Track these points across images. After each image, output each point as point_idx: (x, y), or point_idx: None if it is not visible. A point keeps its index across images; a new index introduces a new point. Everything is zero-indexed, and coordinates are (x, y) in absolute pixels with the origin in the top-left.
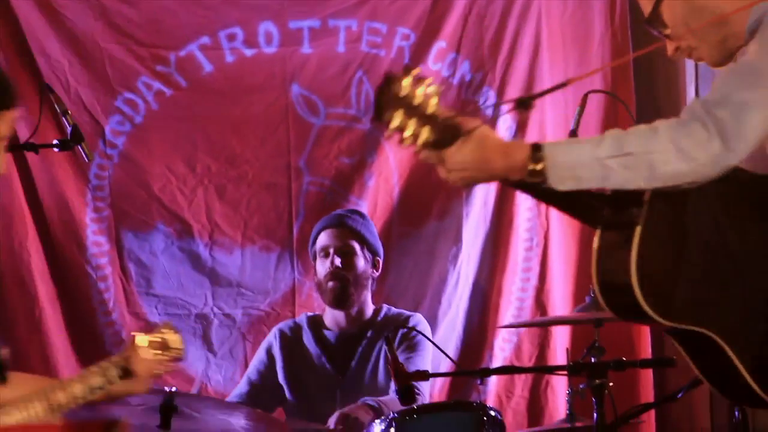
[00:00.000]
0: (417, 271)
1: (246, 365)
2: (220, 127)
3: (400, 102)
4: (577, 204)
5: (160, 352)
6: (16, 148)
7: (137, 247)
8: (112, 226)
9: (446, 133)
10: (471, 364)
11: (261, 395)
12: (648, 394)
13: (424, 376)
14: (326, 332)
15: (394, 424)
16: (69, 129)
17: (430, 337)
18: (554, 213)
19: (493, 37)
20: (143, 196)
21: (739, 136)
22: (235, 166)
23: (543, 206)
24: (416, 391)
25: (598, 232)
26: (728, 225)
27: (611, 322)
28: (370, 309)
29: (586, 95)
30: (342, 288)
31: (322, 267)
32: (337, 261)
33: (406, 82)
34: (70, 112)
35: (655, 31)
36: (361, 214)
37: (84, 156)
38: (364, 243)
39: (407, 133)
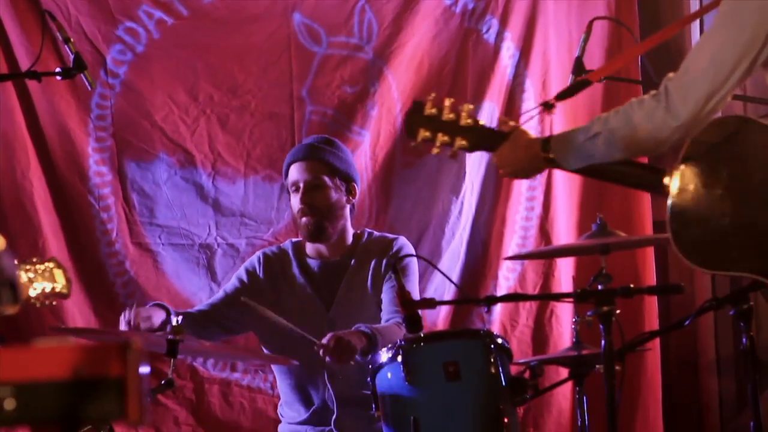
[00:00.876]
0: (420, 201)
1: None
2: (222, 56)
3: (425, 120)
4: (629, 177)
5: (38, 281)
6: (17, 76)
7: (140, 177)
8: (115, 156)
9: (488, 139)
10: (475, 293)
11: (233, 307)
12: (653, 322)
13: (431, 304)
14: (309, 261)
15: (401, 352)
16: (71, 57)
17: (414, 268)
18: None
19: None
20: (146, 125)
21: (685, 104)
22: (238, 95)
23: (547, 134)
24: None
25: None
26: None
27: (618, 250)
28: (350, 236)
29: (591, 22)
30: (315, 223)
31: (295, 201)
32: (308, 196)
33: (429, 105)
34: (72, 39)
35: None
36: (330, 142)
37: (87, 84)
38: (336, 173)
39: (437, 144)
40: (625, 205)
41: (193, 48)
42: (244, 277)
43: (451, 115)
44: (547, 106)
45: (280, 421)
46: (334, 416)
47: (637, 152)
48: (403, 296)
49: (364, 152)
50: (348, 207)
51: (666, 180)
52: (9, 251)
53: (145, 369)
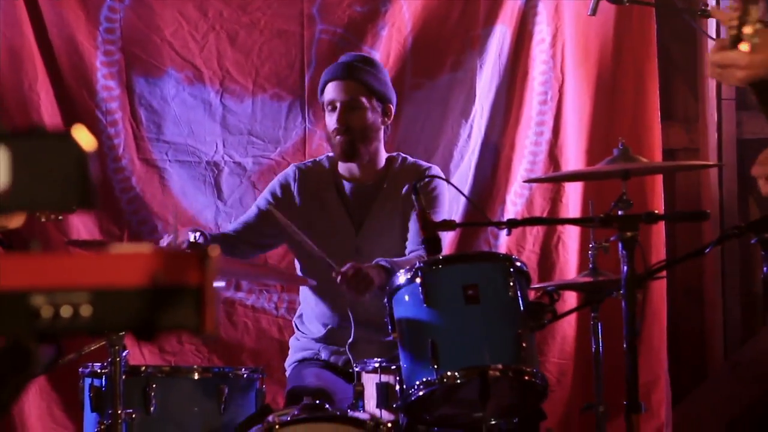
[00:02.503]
0: (429, 123)
1: None
2: None
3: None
4: None
5: None
6: None
7: (148, 93)
8: (123, 70)
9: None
10: (483, 217)
11: (266, 222)
12: (660, 251)
13: (451, 226)
14: (342, 181)
15: (419, 274)
16: None
17: (447, 189)
18: (570, 67)
19: None
20: (155, 40)
21: None
22: (247, 12)
23: (559, 59)
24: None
25: None
26: None
27: (639, 175)
28: (383, 158)
29: None
30: (350, 142)
31: (330, 120)
32: (345, 116)
33: None
34: None
35: None
36: (369, 61)
37: None
38: (373, 93)
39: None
40: (635, 132)
41: None
42: (278, 191)
43: None
44: None
45: (283, 342)
46: (350, 340)
47: None
48: (423, 218)
49: None
50: (383, 129)
51: None
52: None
53: (220, 281)
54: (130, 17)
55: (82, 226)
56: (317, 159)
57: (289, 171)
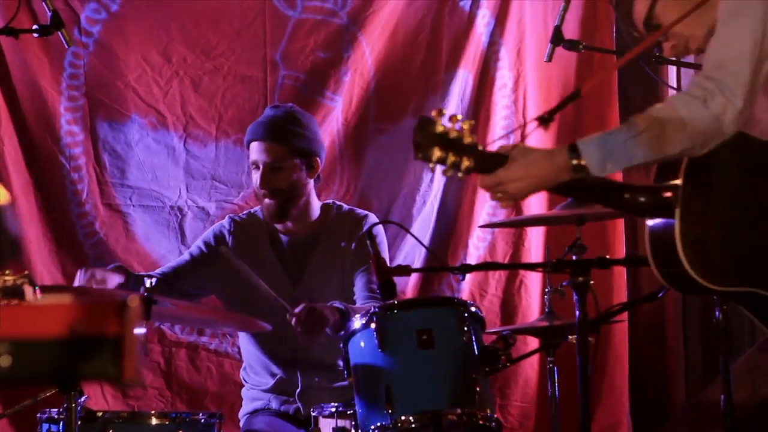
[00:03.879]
0: (392, 168)
1: None
2: (196, 17)
3: (437, 139)
4: (620, 200)
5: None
6: None
7: (112, 138)
8: (87, 116)
9: (489, 160)
10: (445, 262)
11: (197, 271)
12: (622, 293)
13: (406, 271)
14: (279, 234)
15: (374, 319)
16: (49, 14)
17: (383, 237)
18: (532, 111)
19: None
20: (119, 86)
21: (736, 83)
22: (211, 58)
23: (521, 104)
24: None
25: (645, 220)
26: (752, 188)
27: (594, 221)
28: (316, 209)
29: None
30: (277, 205)
31: (255, 178)
32: (268, 177)
33: (439, 121)
34: None
35: (651, 32)
36: (292, 117)
37: (64, 42)
38: (296, 152)
39: (448, 164)
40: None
41: (167, 9)
42: (212, 241)
43: (455, 133)
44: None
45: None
46: (298, 389)
47: (688, 148)
48: (378, 262)
49: (336, 118)
50: (311, 182)
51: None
52: (11, 207)
53: (140, 329)
54: (94, 63)
55: (45, 271)
56: (252, 211)
57: (225, 222)
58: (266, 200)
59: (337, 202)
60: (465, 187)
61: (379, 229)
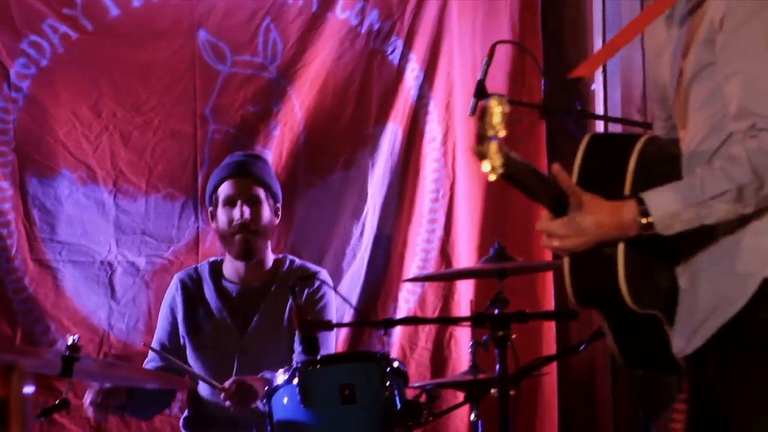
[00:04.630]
0: (322, 222)
1: (149, 313)
2: (126, 72)
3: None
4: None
5: None
6: None
7: (41, 193)
8: (16, 171)
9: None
10: (375, 315)
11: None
12: (550, 346)
13: (329, 326)
14: (227, 284)
15: (297, 374)
16: None
17: (331, 297)
18: (461, 164)
19: None
20: (48, 141)
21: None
22: (141, 112)
23: (450, 157)
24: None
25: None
26: None
27: (516, 274)
28: (270, 259)
29: (494, 46)
30: (249, 241)
31: (226, 217)
32: (246, 212)
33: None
34: None
35: None
36: (262, 159)
37: None
38: (269, 191)
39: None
40: (526, 229)
41: (97, 63)
42: (170, 317)
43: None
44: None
45: None
46: None
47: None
48: (300, 317)
49: None
50: (273, 228)
51: None
52: None
53: (29, 390)
54: (24, 118)
55: None
56: (198, 266)
57: (172, 286)
58: (238, 236)
59: (290, 257)
60: (395, 239)
61: (328, 291)
